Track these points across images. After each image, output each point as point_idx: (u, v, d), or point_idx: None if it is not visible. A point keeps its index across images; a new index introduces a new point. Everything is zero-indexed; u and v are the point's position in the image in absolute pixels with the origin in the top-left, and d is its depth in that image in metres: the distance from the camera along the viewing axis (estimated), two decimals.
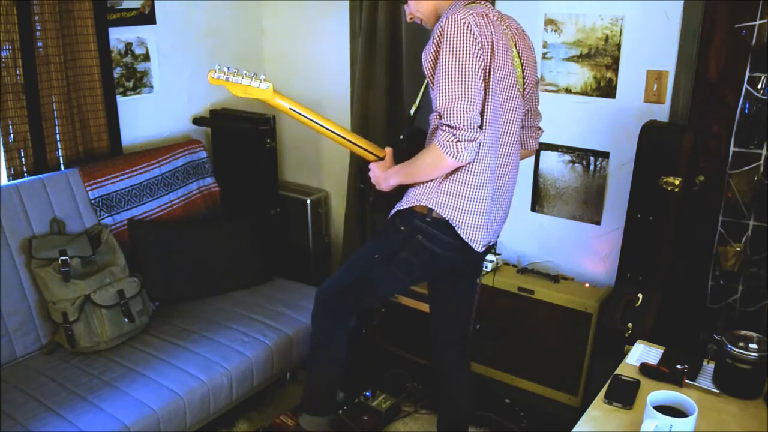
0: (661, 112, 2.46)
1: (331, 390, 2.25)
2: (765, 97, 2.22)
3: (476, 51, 1.72)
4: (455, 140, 1.70)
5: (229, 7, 3.28)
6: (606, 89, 2.56)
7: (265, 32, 3.50)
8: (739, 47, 2.24)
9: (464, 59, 1.72)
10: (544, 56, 2.65)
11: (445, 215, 1.84)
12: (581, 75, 2.60)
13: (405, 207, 1.90)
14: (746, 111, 2.26)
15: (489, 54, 1.76)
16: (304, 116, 1.98)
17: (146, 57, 2.95)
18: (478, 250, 1.90)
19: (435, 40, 1.77)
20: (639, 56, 2.46)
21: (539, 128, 2.11)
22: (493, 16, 1.82)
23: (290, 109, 1.96)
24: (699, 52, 2.32)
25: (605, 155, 2.63)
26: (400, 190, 1.95)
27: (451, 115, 1.70)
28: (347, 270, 2.11)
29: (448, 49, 1.72)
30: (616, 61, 2.51)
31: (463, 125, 1.70)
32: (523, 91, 1.93)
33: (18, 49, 2.40)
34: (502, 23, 1.87)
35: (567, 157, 2.71)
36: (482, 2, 1.87)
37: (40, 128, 2.53)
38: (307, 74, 3.40)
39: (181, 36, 3.08)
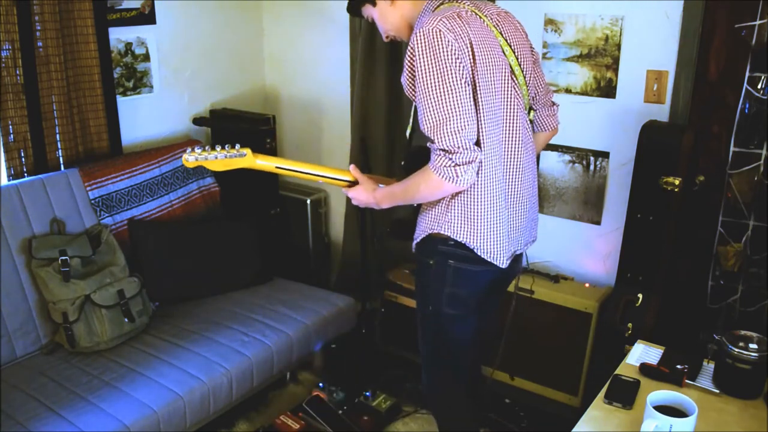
0: (661, 112, 2.46)
1: None
2: (765, 97, 2.22)
3: (455, 60, 1.57)
4: (453, 164, 1.57)
5: (229, 7, 3.28)
6: (606, 89, 2.56)
7: (265, 32, 3.50)
8: (739, 47, 2.24)
9: (444, 74, 1.57)
10: (544, 56, 2.65)
11: (462, 239, 1.71)
12: (581, 75, 2.60)
13: (422, 237, 1.78)
14: (746, 111, 2.26)
15: (471, 57, 1.61)
16: (290, 169, 1.88)
17: (146, 57, 2.95)
18: (503, 267, 1.76)
19: (408, 61, 1.63)
20: (639, 56, 2.46)
21: (553, 103, 1.97)
22: (466, 12, 1.66)
23: (276, 167, 1.86)
24: (699, 52, 2.32)
25: (605, 155, 2.63)
26: (416, 214, 1.83)
27: (443, 139, 1.56)
28: (422, 346, 1.96)
29: (423, 67, 1.57)
30: (616, 61, 2.51)
31: (459, 147, 1.56)
32: (524, 77, 1.79)
33: (18, 49, 2.40)
34: (480, 13, 1.71)
35: (567, 157, 2.71)
36: (455, 1, 1.72)
37: (40, 128, 2.53)
38: (307, 74, 3.40)
39: (181, 36, 3.08)
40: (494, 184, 1.70)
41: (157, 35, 2.97)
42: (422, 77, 1.59)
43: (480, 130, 1.64)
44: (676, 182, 2.27)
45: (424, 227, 1.77)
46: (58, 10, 2.48)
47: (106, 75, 2.71)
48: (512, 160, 1.76)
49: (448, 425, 2.05)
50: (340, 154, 3.24)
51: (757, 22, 2.18)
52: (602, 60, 2.54)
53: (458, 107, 1.57)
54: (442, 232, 1.73)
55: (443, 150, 1.58)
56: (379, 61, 2.93)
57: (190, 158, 1.80)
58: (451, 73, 1.57)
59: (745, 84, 2.24)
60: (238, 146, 1.82)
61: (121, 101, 2.86)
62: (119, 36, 2.82)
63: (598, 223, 2.71)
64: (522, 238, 1.85)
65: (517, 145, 1.77)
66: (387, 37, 1.88)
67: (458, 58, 1.58)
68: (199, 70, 3.19)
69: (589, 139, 2.65)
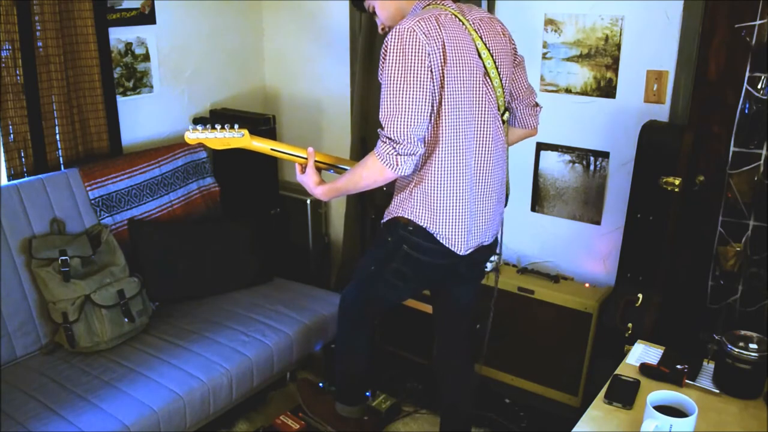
0: (661, 112, 2.46)
1: (358, 384, 2.42)
2: (765, 97, 2.21)
3: (423, 59, 1.69)
4: (395, 153, 1.71)
5: (229, 7, 3.28)
6: (606, 89, 2.56)
7: (265, 32, 3.50)
8: (739, 47, 2.24)
9: (408, 71, 1.69)
10: (544, 56, 2.65)
11: (422, 224, 1.84)
12: (581, 75, 2.60)
13: (388, 219, 1.93)
14: (746, 111, 2.26)
15: (442, 56, 1.73)
16: (284, 153, 2.01)
17: (146, 57, 2.95)
18: (461, 254, 1.88)
19: (383, 53, 1.74)
20: (639, 56, 2.46)
21: (536, 104, 2.07)
22: (445, 16, 1.77)
23: (270, 149, 2.01)
24: (699, 52, 2.32)
25: (605, 155, 2.63)
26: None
27: (393, 129, 1.70)
28: (354, 283, 2.18)
29: (391, 61, 1.70)
30: (616, 61, 2.51)
31: (404, 139, 1.70)
32: (501, 80, 1.89)
33: (18, 49, 2.40)
34: (462, 17, 1.82)
35: (567, 157, 2.71)
36: (441, 3, 1.83)
37: (40, 128, 2.53)
38: (307, 74, 3.40)
39: (181, 36, 3.08)
40: (455, 176, 1.82)
41: (157, 35, 2.97)
42: (388, 70, 1.71)
43: (441, 125, 1.77)
44: (676, 182, 2.27)
45: (391, 210, 1.92)
46: (58, 10, 2.48)
47: (106, 75, 2.71)
48: (482, 156, 1.87)
49: (343, 332, 2.29)
50: (340, 153, 3.23)
51: (757, 22, 2.18)
52: (602, 60, 2.54)
53: (413, 104, 1.70)
54: (405, 217, 1.87)
55: (390, 138, 1.72)
56: (378, 61, 2.93)
57: (192, 135, 1.97)
58: (414, 72, 1.70)
59: (745, 84, 2.24)
60: (236, 126, 1.97)
61: (121, 101, 2.86)
62: (119, 36, 2.82)
63: (598, 223, 2.71)
64: (490, 231, 1.97)
65: (487, 143, 1.88)
66: (382, 29, 1.97)
67: (428, 56, 1.70)
68: (199, 70, 3.19)
69: (589, 139, 2.65)
